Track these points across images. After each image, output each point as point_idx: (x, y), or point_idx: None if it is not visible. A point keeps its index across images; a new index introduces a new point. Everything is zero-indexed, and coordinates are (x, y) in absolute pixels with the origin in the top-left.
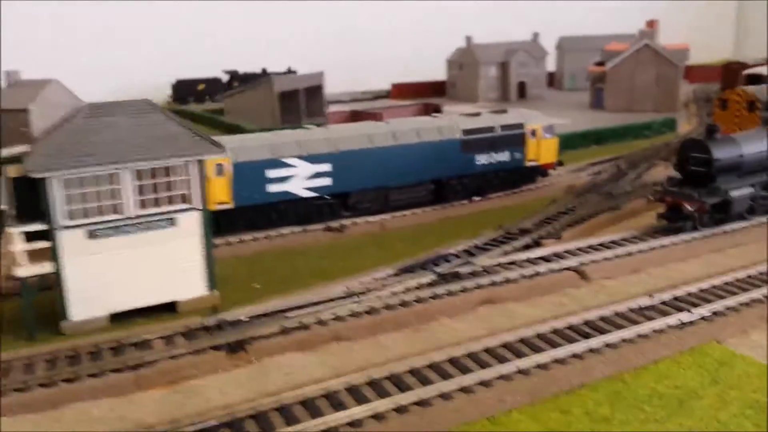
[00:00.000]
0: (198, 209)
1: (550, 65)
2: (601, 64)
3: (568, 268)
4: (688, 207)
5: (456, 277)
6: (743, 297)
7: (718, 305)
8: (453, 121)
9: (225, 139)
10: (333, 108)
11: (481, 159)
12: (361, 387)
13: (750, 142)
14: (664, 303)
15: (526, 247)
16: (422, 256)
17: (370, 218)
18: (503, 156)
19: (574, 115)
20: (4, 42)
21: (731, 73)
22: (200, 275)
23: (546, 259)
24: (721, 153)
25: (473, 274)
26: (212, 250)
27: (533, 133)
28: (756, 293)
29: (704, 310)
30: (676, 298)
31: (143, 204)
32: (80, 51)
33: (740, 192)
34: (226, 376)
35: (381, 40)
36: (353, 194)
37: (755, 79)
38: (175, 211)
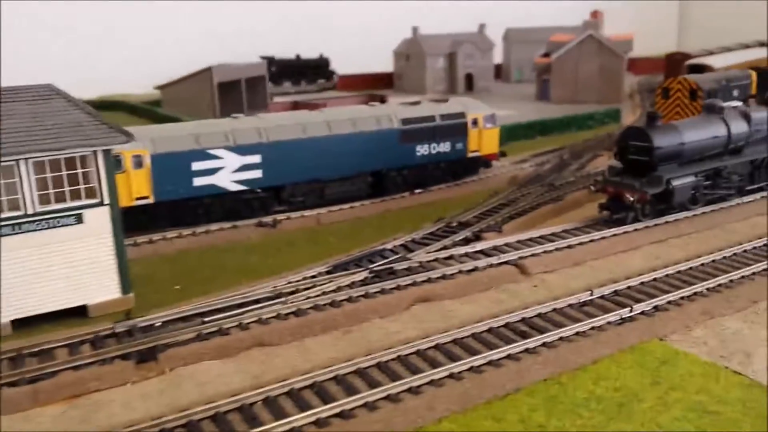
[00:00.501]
0: (107, 204)
1: (498, 57)
2: (547, 55)
3: (507, 263)
4: (629, 197)
5: (391, 273)
6: (685, 290)
7: (659, 300)
8: (391, 110)
9: (145, 129)
10: (278, 99)
11: (422, 150)
12: (279, 399)
13: (691, 130)
14: (604, 298)
15: (466, 241)
16: (358, 252)
17: (306, 212)
18: (444, 146)
19: (520, 106)
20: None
21: (675, 63)
22: (112, 276)
23: (485, 253)
24: (662, 141)
25: (409, 271)
26: (125, 249)
27: (474, 122)
28: (698, 286)
29: (645, 305)
30: (616, 293)
31: (45, 199)
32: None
33: (682, 181)
34: (134, 389)
35: (330, 31)
36: (286, 187)
37: (698, 69)
38: (81, 207)
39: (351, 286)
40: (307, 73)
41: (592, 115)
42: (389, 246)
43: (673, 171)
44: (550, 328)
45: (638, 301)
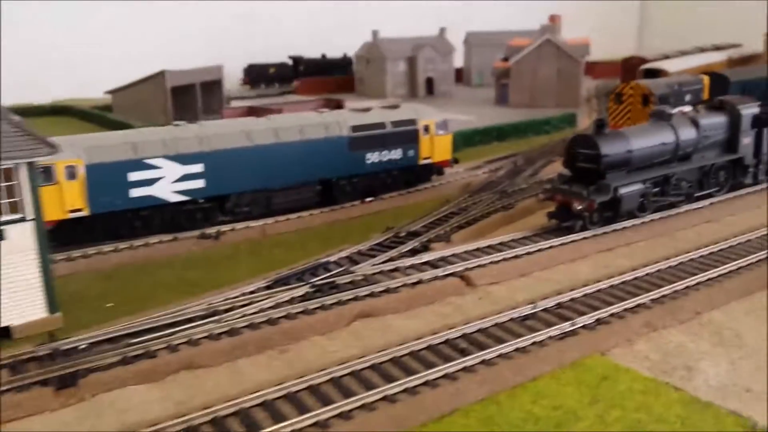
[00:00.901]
0: (30, 220)
1: (459, 61)
2: (506, 59)
3: (453, 274)
4: (577, 205)
5: (333, 288)
6: (629, 302)
7: (602, 312)
8: (340, 117)
9: (80, 138)
10: (236, 104)
11: (372, 157)
12: (202, 428)
13: (639, 137)
14: (547, 311)
15: (413, 252)
16: (301, 265)
17: (251, 223)
18: (395, 154)
19: (479, 111)
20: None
21: (631, 68)
22: (38, 295)
23: (432, 264)
24: (609, 148)
25: (352, 285)
26: (51, 266)
27: (426, 129)
28: (642, 298)
29: (588, 319)
30: (560, 306)
31: None
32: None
33: (630, 189)
34: (52, 417)
35: (294, 35)
36: (231, 197)
37: (652, 74)
38: (3, 223)
39: (290, 302)
40: (333, 72)
41: (549, 120)
42: (334, 258)
43: (621, 178)
44: (490, 345)
45: (581, 314)
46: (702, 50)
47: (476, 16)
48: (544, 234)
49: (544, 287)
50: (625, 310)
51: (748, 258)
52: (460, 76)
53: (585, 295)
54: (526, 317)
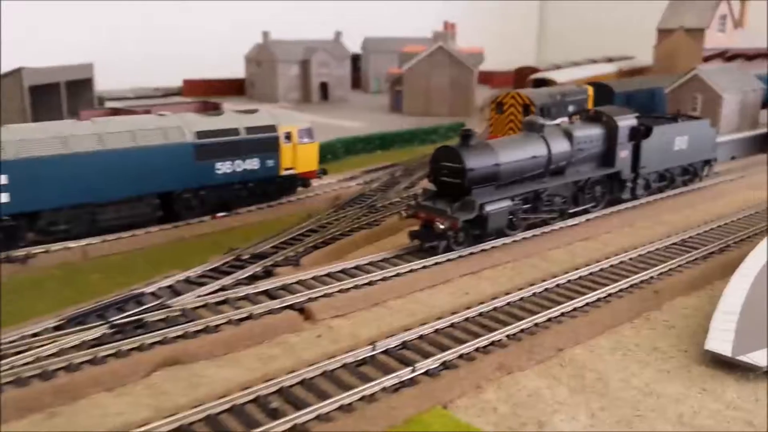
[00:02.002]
0: None
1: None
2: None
3: (291, 307)
4: (439, 224)
5: (140, 327)
6: (482, 339)
7: (450, 353)
8: (183, 121)
9: None
10: (110, 105)
11: (223, 167)
12: None
13: (508, 150)
14: (388, 353)
15: (253, 279)
16: (112, 297)
17: (70, 243)
18: (252, 164)
19: (372, 117)
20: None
21: (523, 78)
22: None
23: (270, 294)
24: (475, 162)
25: (164, 322)
26: None
27: (288, 136)
28: (497, 333)
29: (432, 362)
30: (404, 345)
31: None
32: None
33: (498, 206)
34: None
35: (180, 32)
36: (44, 213)
37: (542, 84)
38: None
39: (79, 347)
40: None
41: (437, 128)
42: (152, 288)
43: (488, 194)
44: (310, 402)
45: (426, 355)
46: (594, 61)
47: (376, 21)
48: (405, 256)
49: (394, 320)
50: (477, 349)
51: (619, 283)
52: (358, 81)
53: (435, 331)
54: (362, 362)
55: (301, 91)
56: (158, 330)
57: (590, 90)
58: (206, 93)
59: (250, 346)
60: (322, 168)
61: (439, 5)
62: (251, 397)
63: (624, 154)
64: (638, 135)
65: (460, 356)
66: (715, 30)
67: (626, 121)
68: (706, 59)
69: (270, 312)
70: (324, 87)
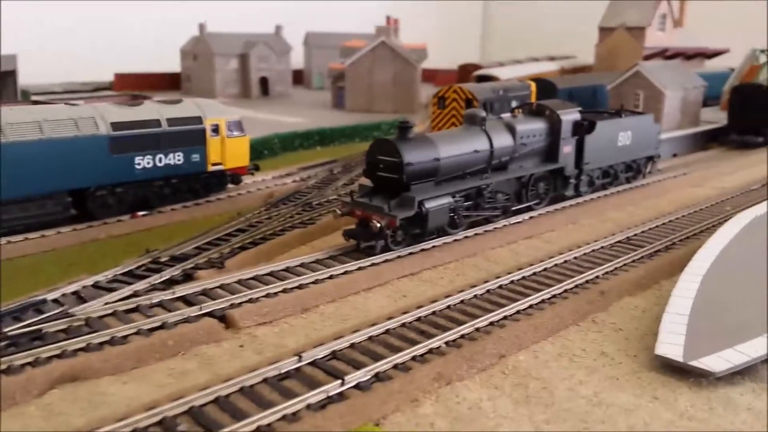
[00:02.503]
0: None
1: (300, 62)
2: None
3: (211, 314)
4: (376, 222)
5: (37, 339)
6: (419, 347)
7: (384, 363)
8: (97, 111)
9: None
10: (36, 98)
11: (143, 162)
12: None
13: (449, 144)
14: (315, 364)
15: (170, 283)
16: (6, 305)
17: None
18: (175, 158)
19: (314, 114)
20: None
21: (466, 74)
22: None
23: (188, 300)
24: (413, 156)
25: (65, 333)
26: None
27: (215, 129)
28: (436, 340)
29: (363, 374)
30: (334, 356)
31: None
32: None
33: (438, 203)
34: None
35: (124, 27)
36: None
37: (484, 80)
38: None
39: None
40: None
41: (379, 125)
42: (55, 295)
43: (428, 191)
44: (223, 424)
45: (358, 366)
46: (536, 60)
47: (319, 16)
48: (340, 257)
49: (326, 327)
50: (414, 358)
51: (563, 284)
52: (300, 77)
53: (369, 339)
54: (286, 375)
55: (240, 86)
56: (57, 342)
57: (533, 86)
58: (139, 87)
59: (163, 359)
60: (254, 163)
61: (385, 3)
62: (156, 418)
63: (567, 149)
64: (582, 129)
65: (395, 366)
66: (656, 29)
67: (569, 115)
68: (647, 57)
69: (186, 320)
70: (264, 82)
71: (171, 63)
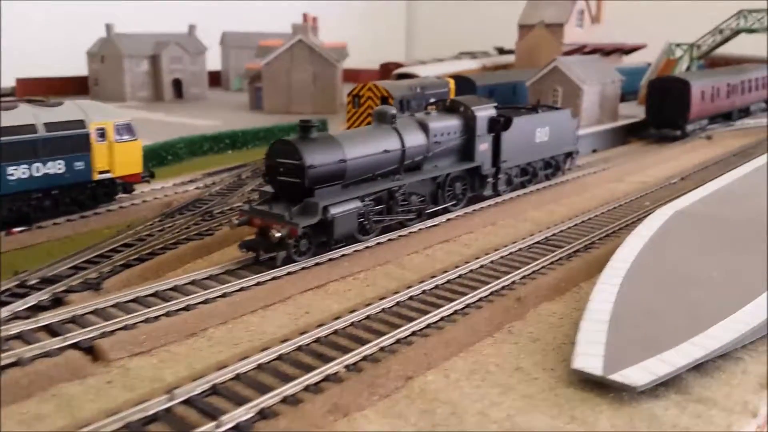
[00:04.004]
0: None
1: (217, 63)
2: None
3: (76, 345)
4: (275, 232)
5: None
6: (315, 374)
7: (271, 396)
8: None
9: None
10: None
11: (17, 173)
12: None
13: (356, 144)
14: (190, 402)
15: (36, 310)
16: None
17: None
18: (55, 167)
19: (228, 116)
20: None
21: (387, 73)
22: None
23: (53, 330)
24: (317, 158)
25: None
26: None
27: (101, 133)
28: (335, 364)
29: (246, 411)
30: (214, 390)
31: None
32: None
33: (345, 208)
34: None
35: (27, 29)
36: None
37: (405, 78)
38: None
39: None
40: None
41: (295, 126)
42: None
43: (333, 195)
44: None
45: (240, 402)
46: (458, 58)
47: (237, 15)
48: (238, 271)
49: (212, 354)
50: (307, 388)
51: (477, 292)
52: (218, 79)
53: (258, 367)
54: (153, 418)
55: (152, 89)
56: None
57: (452, 83)
58: (44, 92)
59: (15, 401)
60: (148, 170)
61: (308, 3)
62: None
63: (484, 147)
64: (498, 126)
65: (284, 400)
66: (574, 25)
67: (484, 112)
68: (566, 54)
69: (47, 354)
70: (178, 84)
71: (78, 66)
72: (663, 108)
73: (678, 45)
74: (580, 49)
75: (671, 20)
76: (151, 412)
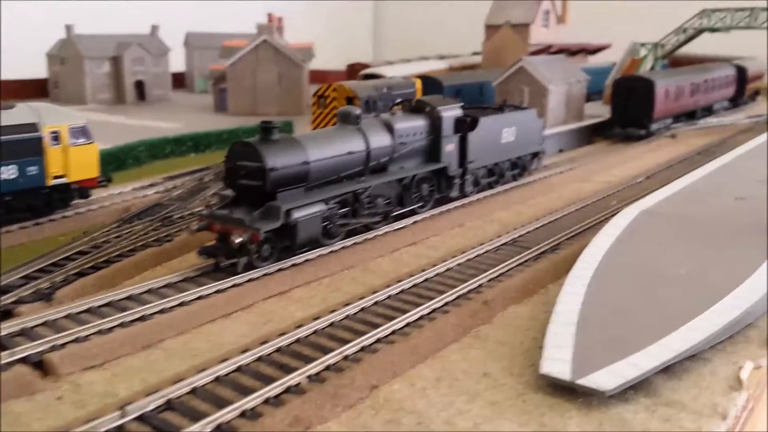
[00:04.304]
0: None
1: (181, 64)
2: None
3: (24, 360)
4: (235, 237)
5: None
6: (275, 386)
7: (228, 412)
8: None
9: None
10: None
11: None
12: None
13: (320, 145)
14: (143, 419)
15: None
16: None
17: None
18: (7, 172)
19: (192, 118)
20: None
21: (355, 74)
22: None
23: (1, 343)
24: (278, 160)
25: None
26: None
27: (55, 137)
28: (297, 374)
29: (202, 427)
30: (169, 405)
31: None
32: None
33: (308, 211)
34: None
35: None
36: None
37: (372, 79)
38: None
39: None
40: None
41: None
42: None
43: (296, 198)
44: None
45: (197, 417)
46: (426, 58)
47: (201, 16)
48: (198, 278)
49: (169, 366)
50: (266, 401)
51: (444, 296)
52: (182, 81)
53: (216, 379)
54: None
55: (114, 91)
56: None
57: (418, 83)
58: (1, 96)
59: None
60: (106, 174)
61: (273, 4)
62: None
63: (450, 147)
64: (464, 126)
65: (242, 414)
66: (540, 25)
67: (450, 112)
68: (532, 54)
69: None
70: (140, 86)
71: (38, 68)
72: (628, 107)
73: (642, 44)
74: (546, 50)
75: (636, 20)
76: (101, 431)
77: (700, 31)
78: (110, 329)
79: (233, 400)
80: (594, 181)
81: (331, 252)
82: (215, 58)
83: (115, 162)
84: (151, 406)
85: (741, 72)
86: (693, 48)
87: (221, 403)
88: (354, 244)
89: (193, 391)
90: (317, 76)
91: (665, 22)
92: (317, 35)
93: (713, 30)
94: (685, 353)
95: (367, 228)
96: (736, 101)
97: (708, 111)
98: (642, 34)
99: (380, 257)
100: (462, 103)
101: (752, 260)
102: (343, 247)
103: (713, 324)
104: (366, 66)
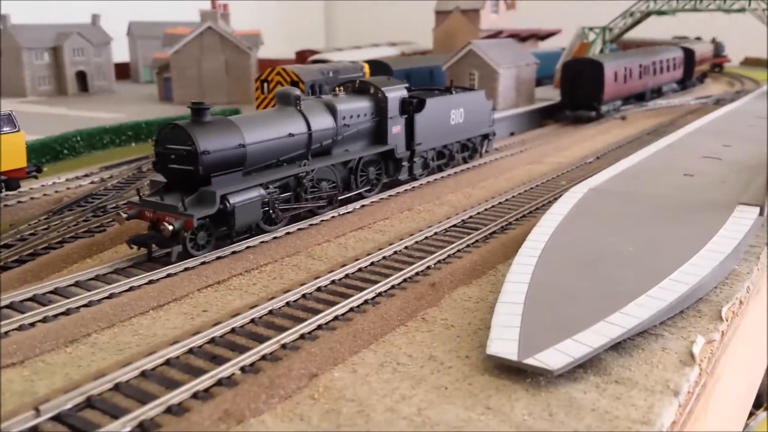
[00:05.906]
0: None
1: (125, 55)
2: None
3: None
4: (167, 225)
5: None
6: (205, 378)
7: (154, 406)
8: None
9: None
10: None
11: None
12: None
13: (257, 127)
14: (60, 419)
15: None
16: None
17: None
18: None
19: (136, 108)
20: None
21: (303, 60)
22: None
23: None
24: (211, 143)
25: None
26: None
27: None
28: (229, 366)
29: (123, 425)
30: (89, 402)
31: None
32: None
33: (246, 196)
34: None
35: None
36: None
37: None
38: None
39: None
40: None
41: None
42: None
43: (233, 183)
44: None
45: (117, 416)
46: (376, 45)
47: (146, 5)
48: (129, 269)
49: (94, 363)
50: (195, 395)
51: (390, 279)
52: (127, 71)
53: (142, 374)
54: None
55: (55, 83)
56: None
57: (366, 67)
58: None
59: None
60: (34, 164)
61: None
62: None
63: (397, 129)
64: (410, 107)
65: (168, 409)
66: (489, 11)
67: (396, 92)
68: (483, 39)
69: None
70: (82, 77)
71: None
72: (577, 89)
73: (591, 29)
74: (497, 35)
75: (585, 6)
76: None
77: (647, 15)
78: (32, 324)
79: (158, 395)
80: (545, 163)
81: (274, 238)
82: (159, 47)
83: (50, 153)
84: (69, 405)
85: (689, 54)
86: (641, 33)
87: (146, 399)
88: (298, 229)
89: (116, 387)
90: (266, 65)
91: (614, 7)
92: (267, 24)
93: (660, 13)
94: (633, 330)
95: (313, 213)
96: (684, 83)
97: (657, 93)
98: (591, 19)
99: (326, 242)
100: (407, 84)
101: (701, 235)
102: (286, 233)
103: (661, 300)
104: (315, 52)
